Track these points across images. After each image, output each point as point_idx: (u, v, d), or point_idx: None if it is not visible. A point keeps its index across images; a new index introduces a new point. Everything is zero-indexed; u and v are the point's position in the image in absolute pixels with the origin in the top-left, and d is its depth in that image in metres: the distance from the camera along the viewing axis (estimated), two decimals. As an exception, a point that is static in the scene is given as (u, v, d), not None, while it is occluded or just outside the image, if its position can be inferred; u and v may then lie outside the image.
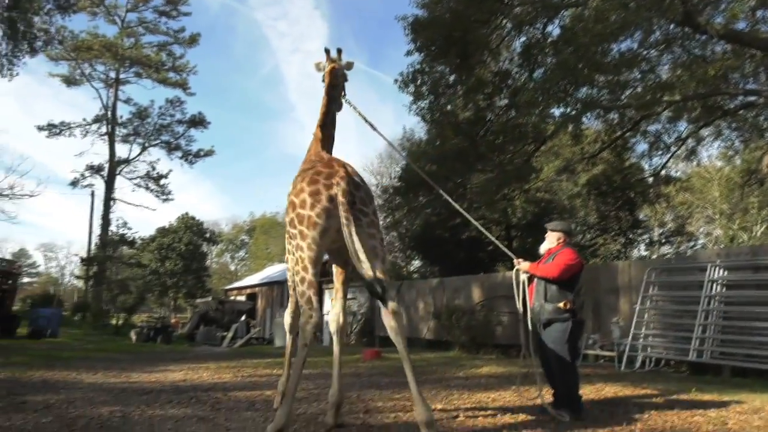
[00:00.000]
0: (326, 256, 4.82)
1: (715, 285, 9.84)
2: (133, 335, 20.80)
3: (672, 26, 13.20)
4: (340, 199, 4.07)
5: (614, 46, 13.64)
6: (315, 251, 4.14)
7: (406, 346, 4.13)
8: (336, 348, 4.95)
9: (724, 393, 6.65)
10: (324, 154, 4.78)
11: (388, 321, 4.10)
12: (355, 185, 4.30)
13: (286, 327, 4.26)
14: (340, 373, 4.81)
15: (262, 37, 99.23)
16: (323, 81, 5.52)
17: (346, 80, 5.61)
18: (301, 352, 4.12)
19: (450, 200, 7.05)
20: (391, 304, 4.08)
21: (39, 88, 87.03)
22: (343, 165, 4.44)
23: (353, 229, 3.96)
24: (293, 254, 4.30)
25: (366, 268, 3.83)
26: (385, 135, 6.35)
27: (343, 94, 5.57)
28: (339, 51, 5.57)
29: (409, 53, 15.68)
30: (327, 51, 5.56)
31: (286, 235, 4.47)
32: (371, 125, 5.86)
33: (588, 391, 6.62)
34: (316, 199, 4.14)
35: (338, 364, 4.84)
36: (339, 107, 5.55)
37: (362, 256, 3.87)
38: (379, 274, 3.99)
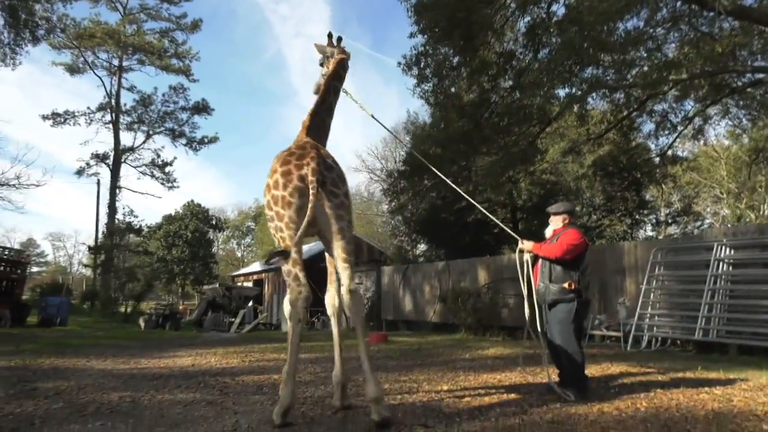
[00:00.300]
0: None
1: (721, 264, 9.80)
2: (141, 322, 20.97)
3: (679, 3, 13.01)
4: (310, 177, 4.18)
5: (620, 25, 13.45)
6: (293, 230, 4.22)
7: (364, 325, 4.38)
8: (335, 330, 5.01)
9: (730, 371, 6.65)
10: (305, 140, 4.77)
11: (346, 300, 4.32)
12: (327, 166, 4.40)
13: (287, 314, 4.31)
14: (341, 355, 4.86)
15: (264, 22, 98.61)
16: (321, 65, 5.50)
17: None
18: (295, 328, 4.22)
19: (452, 185, 7.04)
20: (349, 284, 4.33)
21: (42, 77, 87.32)
22: (316, 147, 4.53)
23: (312, 205, 4.11)
24: (275, 236, 4.41)
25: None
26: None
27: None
28: (339, 39, 5.55)
29: (412, 35, 15.54)
30: (330, 35, 5.53)
31: (267, 220, 4.53)
32: (371, 114, 5.91)
33: (594, 371, 6.65)
34: (288, 179, 4.26)
35: (339, 345, 4.91)
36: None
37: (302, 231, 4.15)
38: (343, 255, 4.32)
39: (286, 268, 4.26)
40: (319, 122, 5.15)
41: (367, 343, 4.33)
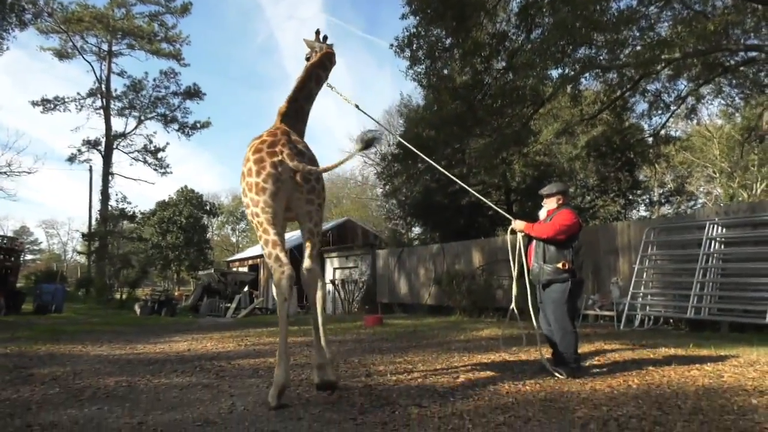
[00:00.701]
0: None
1: (713, 242, 9.87)
2: (137, 308, 20.98)
3: (672, -19, 12.95)
4: (288, 162, 4.34)
5: (613, 4, 13.44)
6: (270, 213, 4.39)
7: (324, 302, 4.71)
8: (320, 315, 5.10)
9: (722, 348, 6.73)
10: (277, 127, 4.81)
11: (303, 275, 4.59)
12: (298, 152, 4.51)
13: (274, 295, 4.40)
14: (326, 336, 4.96)
15: (255, 5, 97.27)
16: (307, 59, 5.56)
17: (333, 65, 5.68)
18: (282, 307, 4.36)
19: (441, 170, 7.04)
20: (306, 262, 4.61)
21: (31, 63, 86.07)
22: (287, 133, 4.65)
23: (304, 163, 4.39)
24: (252, 221, 4.55)
25: None
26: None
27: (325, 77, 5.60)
28: (326, 37, 5.65)
29: (404, 17, 15.44)
30: (317, 32, 5.65)
31: (244, 207, 4.68)
32: (355, 105, 6.01)
33: (587, 350, 6.72)
34: (261, 167, 4.39)
35: (323, 327, 5.00)
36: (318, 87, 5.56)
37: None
38: (307, 235, 4.64)
39: (266, 250, 4.43)
40: (297, 108, 5.21)
41: (323, 317, 4.66)
